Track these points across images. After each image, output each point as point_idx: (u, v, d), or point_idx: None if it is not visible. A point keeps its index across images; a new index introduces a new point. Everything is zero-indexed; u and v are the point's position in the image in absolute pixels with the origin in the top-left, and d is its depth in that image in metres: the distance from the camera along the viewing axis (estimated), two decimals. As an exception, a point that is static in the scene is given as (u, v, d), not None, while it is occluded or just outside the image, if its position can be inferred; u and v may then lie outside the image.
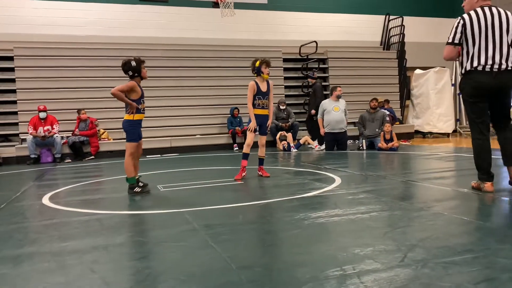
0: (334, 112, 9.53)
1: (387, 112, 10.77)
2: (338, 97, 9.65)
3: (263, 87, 5.66)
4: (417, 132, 13.89)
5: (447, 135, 13.69)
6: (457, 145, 10.70)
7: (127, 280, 2.16)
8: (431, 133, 13.70)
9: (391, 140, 9.11)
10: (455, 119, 14.62)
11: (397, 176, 5.41)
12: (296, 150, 9.94)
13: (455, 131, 14.49)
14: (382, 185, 4.73)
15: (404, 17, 14.39)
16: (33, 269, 2.35)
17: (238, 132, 11.28)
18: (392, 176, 5.35)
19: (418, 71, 14.29)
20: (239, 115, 11.52)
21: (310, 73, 11.44)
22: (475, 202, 3.72)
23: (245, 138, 11.02)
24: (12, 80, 10.87)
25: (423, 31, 15.55)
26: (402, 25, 14.35)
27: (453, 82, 14.94)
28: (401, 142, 10.71)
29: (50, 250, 2.68)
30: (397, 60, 14.42)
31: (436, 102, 13.58)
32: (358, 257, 2.31)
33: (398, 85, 14.31)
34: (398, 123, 13.13)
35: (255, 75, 5.68)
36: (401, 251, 2.39)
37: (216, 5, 12.06)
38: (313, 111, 10.53)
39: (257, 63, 5.60)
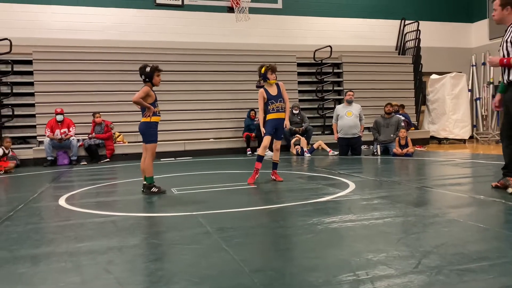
0: (346, 117, 9.50)
1: (402, 118, 10.67)
2: (348, 101, 9.62)
3: (273, 91, 5.66)
4: (432, 138, 13.74)
5: (464, 141, 13.50)
6: (473, 151, 10.56)
7: (141, 281, 2.19)
8: (447, 139, 13.53)
9: (406, 145, 9.03)
10: (472, 125, 14.43)
11: (412, 182, 5.35)
12: (309, 154, 9.92)
13: (471, 137, 14.30)
14: (397, 191, 4.69)
15: (420, 22, 14.29)
16: (50, 268, 2.39)
17: (252, 137, 11.32)
18: (407, 182, 5.29)
19: (434, 76, 14.15)
20: (256, 117, 11.58)
21: (257, 83, 10.66)
22: (491, 209, 3.66)
23: (259, 143, 11.20)
24: (31, 84, 11.10)
25: (439, 36, 15.41)
26: (417, 30, 14.24)
27: (469, 88, 14.78)
28: (416, 148, 10.60)
29: (67, 251, 2.73)
30: (412, 65, 14.31)
31: (452, 108, 13.42)
32: (372, 263, 2.30)
33: (414, 90, 14.19)
34: (413, 128, 13.00)
35: (262, 81, 5.72)
36: (415, 257, 2.37)
37: (231, 9, 12.16)
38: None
39: (263, 70, 5.62)
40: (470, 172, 6.51)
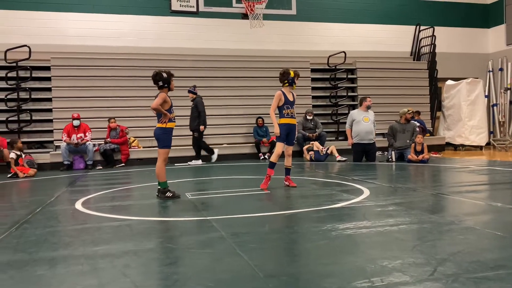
0: (363, 123, 9.42)
1: (417, 124, 10.58)
2: (368, 107, 9.55)
3: (290, 97, 5.71)
4: (448, 144, 13.58)
5: (480, 147, 13.31)
6: (490, 158, 10.40)
7: (157, 285, 2.21)
8: (463, 145, 13.36)
9: (422, 152, 8.93)
10: (489, 131, 14.22)
11: (427, 188, 5.30)
12: (322, 160, 9.90)
13: (488, 143, 14.08)
14: (412, 197, 4.65)
15: (435, 27, 14.17)
16: (67, 271, 2.43)
17: (265, 144, 11.36)
18: (422, 189, 5.25)
19: (449, 82, 14.01)
20: (265, 124, 11.58)
21: (191, 88, 10.57)
22: (509, 217, 3.61)
23: (270, 148, 11.23)
24: (49, 89, 11.32)
25: (455, 41, 15.26)
26: (433, 35, 14.13)
27: (486, 94, 14.59)
28: (431, 155, 10.49)
29: (83, 254, 2.77)
30: (427, 70, 14.19)
31: (468, 114, 13.26)
32: (387, 270, 2.29)
33: (429, 96, 14.06)
34: (428, 134, 12.87)
35: (285, 84, 5.71)
36: (431, 264, 2.35)
37: (245, 16, 12.23)
38: (202, 127, 10.31)
39: (292, 74, 5.65)
40: (487, 179, 6.42)
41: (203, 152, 10.66)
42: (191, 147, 10.91)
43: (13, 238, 3.27)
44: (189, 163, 10.39)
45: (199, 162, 10.43)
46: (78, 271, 2.43)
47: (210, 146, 10.81)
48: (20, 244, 3.09)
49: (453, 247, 2.67)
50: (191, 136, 10.62)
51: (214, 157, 10.66)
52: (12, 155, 8.59)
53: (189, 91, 10.54)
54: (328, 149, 10.31)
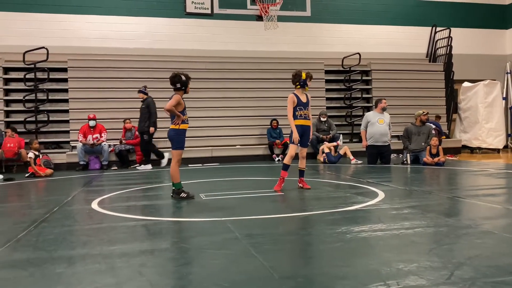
0: (378, 125, 9.34)
1: (433, 126, 10.46)
2: (383, 109, 9.48)
3: (303, 99, 5.69)
4: (464, 147, 13.39)
5: (497, 150, 13.10)
6: (508, 161, 10.23)
7: (173, 285, 2.24)
8: (479, 148, 13.16)
9: (437, 154, 8.83)
10: (506, 134, 13.99)
11: (443, 192, 5.24)
12: (335, 162, 9.86)
13: (506, 146, 13.85)
14: (427, 200, 4.60)
15: (452, 29, 14.01)
16: (85, 269, 2.47)
17: (278, 145, 11.36)
18: (438, 192, 5.19)
19: (466, 84, 13.83)
20: (279, 126, 11.58)
21: (142, 88, 10.21)
22: (528, 221, 3.55)
23: (283, 150, 11.22)
24: (66, 91, 11.50)
25: (472, 42, 15.05)
26: (449, 37, 13.96)
27: (504, 96, 14.36)
28: (447, 157, 10.35)
29: (100, 253, 2.81)
30: (443, 72, 14.02)
31: (485, 116, 13.07)
32: (402, 273, 2.27)
33: (445, 98, 13.89)
34: (444, 137, 12.71)
35: (297, 86, 5.70)
36: (447, 268, 2.32)
37: (259, 18, 12.26)
38: (151, 129, 9.90)
39: (304, 75, 5.63)
40: (505, 182, 6.31)
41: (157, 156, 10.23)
42: (203, 148, 10.98)
43: (32, 236, 3.33)
44: (137, 168, 9.96)
45: (149, 166, 9.92)
46: (96, 269, 2.46)
47: (227, 147, 10.74)
48: (39, 242, 3.15)
49: (470, 251, 2.64)
50: (203, 138, 10.54)
51: (164, 161, 10.12)
52: (31, 155, 8.75)
53: (140, 91, 10.14)
54: (339, 153, 10.22)
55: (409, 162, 9.30)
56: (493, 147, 13.06)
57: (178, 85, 5.04)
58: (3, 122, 10.88)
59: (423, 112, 9.53)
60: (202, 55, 12.69)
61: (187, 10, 12.58)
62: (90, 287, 2.18)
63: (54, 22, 12.00)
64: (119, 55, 12.16)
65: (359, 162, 9.67)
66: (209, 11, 12.56)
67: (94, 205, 4.83)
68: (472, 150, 13.35)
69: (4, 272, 2.46)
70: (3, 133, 10.18)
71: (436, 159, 8.73)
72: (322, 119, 11.43)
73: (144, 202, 5.21)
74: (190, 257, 2.75)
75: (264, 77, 12.64)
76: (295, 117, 5.67)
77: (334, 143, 10.42)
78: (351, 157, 9.95)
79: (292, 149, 5.69)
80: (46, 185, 7.40)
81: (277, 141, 11.39)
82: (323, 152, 10.39)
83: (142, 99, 10.15)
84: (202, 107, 11.81)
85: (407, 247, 2.80)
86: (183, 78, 5.04)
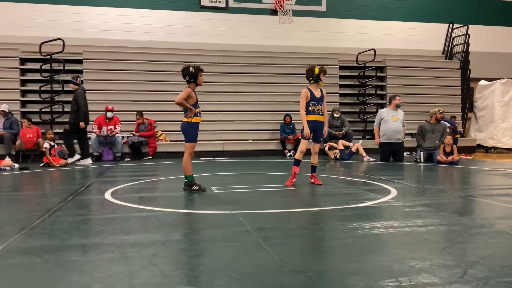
0: (391, 122, 9.25)
1: (448, 124, 10.33)
2: (397, 106, 9.38)
3: (317, 94, 5.65)
4: (479, 146, 13.21)
5: (513, 150, 12.90)
6: (524, 161, 10.06)
7: (185, 275, 2.25)
8: (495, 148, 12.97)
9: (451, 153, 8.72)
10: (523, 134, 13.74)
11: (457, 190, 5.18)
12: (347, 159, 9.81)
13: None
14: (441, 199, 4.55)
15: (470, 26, 13.78)
16: (99, 258, 2.51)
17: (290, 141, 11.34)
18: (451, 191, 5.13)
19: (483, 82, 13.62)
20: (292, 122, 11.55)
21: (73, 78, 9.60)
22: (543, 222, 3.49)
23: (296, 146, 11.19)
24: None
25: (490, 40, 14.80)
26: (466, 34, 13.75)
27: (521, 95, 14.06)
28: (461, 156, 10.22)
29: (113, 242, 2.84)
30: (460, 70, 13.82)
31: (501, 116, 12.86)
32: (415, 270, 2.26)
33: (460, 96, 13.70)
34: (459, 136, 12.55)
35: (311, 81, 5.67)
36: (460, 267, 2.30)
37: (274, 12, 12.22)
38: (82, 124, 9.27)
39: (317, 70, 5.59)
40: (520, 183, 6.21)
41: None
42: (215, 142, 11.00)
43: (46, 225, 3.38)
44: (76, 163, 9.42)
45: (88, 161, 9.48)
46: (109, 258, 2.50)
47: (239, 141, 10.69)
48: (53, 230, 3.20)
49: (484, 251, 2.61)
50: (215, 132, 10.56)
51: (74, 158, 9.54)
52: (46, 145, 8.88)
53: (70, 81, 9.64)
54: (351, 150, 10.14)
55: (422, 160, 9.21)
56: (509, 147, 12.86)
57: (187, 78, 5.05)
58: (19, 112, 11.04)
59: (439, 110, 9.41)
60: (216, 48, 12.69)
61: (202, 4, 12.60)
62: (104, 275, 2.21)
63: (71, 14, 12.12)
64: (133, 47, 12.22)
65: (372, 159, 9.60)
66: (223, 5, 12.56)
67: (107, 195, 4.88)
68: (487, 149, 13.15)
69: (20, 259, 2.50)
70: (19, 122, 10.35)
71: (450, 158, 8.62)
72: (335, 115, 11.36)
73: (157, 194, 5.26)
74: (202, 248, 2.76)
75: (278, 72, 12.60)
76: (308, 112, 5.64)
77: (347, 143, 10.32)
78: (364, 154, 9.89)
79: (303, 145, 5.67)
80: (60, 175, 7.50)
81: (290, 136, 11.37)
82: (329, 149, 10.31)
83: (73, 90, 9.58)
84: (215, 101, 11.82)
85: (419, 245, 2.78)
86: (192, 70, 5.03)
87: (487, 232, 3.08)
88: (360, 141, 10.45)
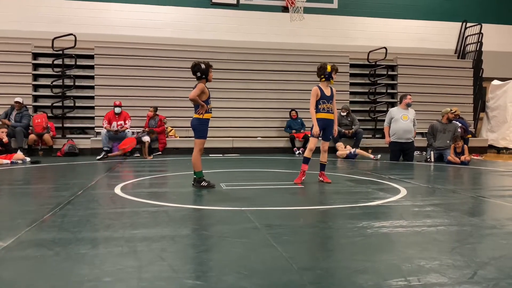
0: (402, 121, 9.18)
1: (459, 124, 10.23)
2: (408, 105, 9.30)
3: (327, 92, 5.63)
4: (491, 147, 13.05)
5: (525, 151, 12.73)
6: (536, 163, 9.92)
7: (194, 270, 2.27)
8: (507, 148, 12.80)
9: (462, 153, 8.64)
10: (536, 135, 13.55)
11: (467, 191, 5.13)
12: (353, 158, 9.74)
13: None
14: (451, 199, 4.51)
15: (483, 25, 13.61)
16: (108, 251, 2.53)
17: (298, 137, 11.31)
18: (462, 191, 5.08)
19: (495, 82, 13.45)
20: (299, 117, 11.52)
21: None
22: (556, 225, 3.44)
23: (304, 143, 11.15)
24: (92, 77, 11.70)
25: (504, 39, 14.60)
26: (480, 33, 13.58)
27: (535, 95, 13.85)
28: (472, 157, 10.11)
29: (123, 236, 2.87)
30: (472, 69, 13.66)
31: (514, 116, 12.69)
32: (424, 270, 2.24)
33: (472, 96, 13.54)
34: (470, 136, 12.41)
35: (322, 79, 5.65)
36: (470, 267, 2.28)
37: (285, 9, 12.16)
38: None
39: (329, 68, 5.56)
40: (532, 184, 6.14)
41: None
42: (224, 138, 10.99)
43: (57, 218, 3.42)
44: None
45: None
46: (118, 252, 2.52)
47: (248, 138, 10.69)
48: (64, 223, 3.24)
49: (494, 252, 2.59)
50: (224, 128, 10.51)
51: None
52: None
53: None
54: (355, 151, 9.99)
55: (432, 159, 9.13)
56: (521, 148, 12.70)
57: (199, 74, 5.05)
58: (31, 106, 11.16)
59: (451, 110, 9.31)
60: (226, 45, 12.70)
61: (213, 0, 12.58)
62: (113, 268, 2.23)
63: (83, 10, 12.20)
64: (144, 43, 12.27)
65: (378, 156, 9.53)
66: (234, 1, 12.51)
67: (117, 190, 4.92)
68: (499, 150, 13.00)
69: (31, 251, 2.53)
70: (31, 116, 10.46)
71: (462, 158, 8.54)
72: (342, 113, 11.28)
73: (166, 189, 5.29)
74: (210, 244, 2.77)
75: (288, 69, 12.57)
76: (318, 110, 5.62)
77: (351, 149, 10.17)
78: (370, 156, 9.73)
79: (312, 142, 5.66)
80: (71, 169, 7.58)
81: (293, 131, 11.35)
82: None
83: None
84: (225, 98, 11.83)
85: (429, 245, 2.76)
86: (203, 66, 5.03)
87: (497, 233, 3.05)
88: (356, 149, 10.21)
